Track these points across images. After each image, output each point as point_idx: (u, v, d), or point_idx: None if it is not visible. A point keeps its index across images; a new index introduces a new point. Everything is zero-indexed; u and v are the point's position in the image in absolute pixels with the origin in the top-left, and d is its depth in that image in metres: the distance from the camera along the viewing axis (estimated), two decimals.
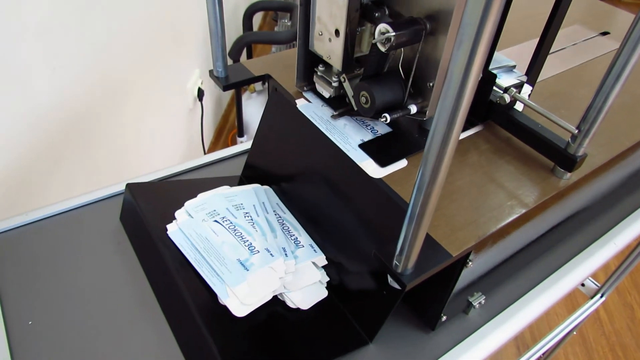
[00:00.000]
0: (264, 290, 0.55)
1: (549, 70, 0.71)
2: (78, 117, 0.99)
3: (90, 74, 1.01)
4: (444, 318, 0.57)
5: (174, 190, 0.68)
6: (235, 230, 0.60)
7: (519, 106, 0.59)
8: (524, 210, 0.50)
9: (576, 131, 0.50)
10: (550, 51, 0.59)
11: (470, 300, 0.59)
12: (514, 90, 0.57)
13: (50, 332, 0.55)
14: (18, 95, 0.81)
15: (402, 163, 0.54)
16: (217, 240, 0.59)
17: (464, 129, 0.59)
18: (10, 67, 0.78)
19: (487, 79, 0.55)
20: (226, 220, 0.61)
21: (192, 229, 0.59)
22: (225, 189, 0.66)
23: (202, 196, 0.64)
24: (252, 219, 0.62)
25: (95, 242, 0.64)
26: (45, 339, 0.54)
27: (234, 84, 0.67)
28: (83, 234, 0.65)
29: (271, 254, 0.58)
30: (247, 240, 0.59)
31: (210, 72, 0.68)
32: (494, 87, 0.57)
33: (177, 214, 0.61)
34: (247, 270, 0.56)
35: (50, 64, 0.87)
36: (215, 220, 0.61)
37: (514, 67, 0.59)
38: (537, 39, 0.57)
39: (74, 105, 0.97)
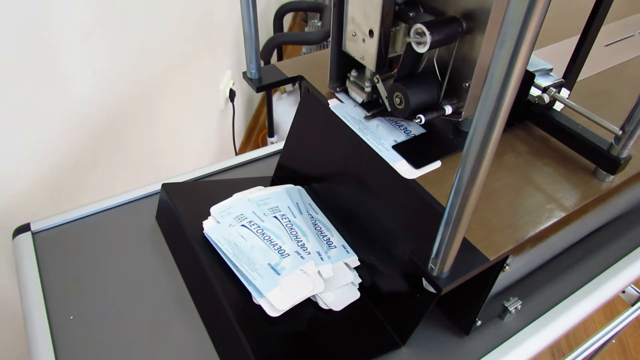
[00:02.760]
0: (297, 294, 0.55)
1: (588, 68, 0.69)
2: (116, 119, 1.02)
3: (127, 77, 1.03)
4: (479, 323, 0.56)
5: (208, 190, 0.68)
6: (263, 234, 0.60)
7: (557, 106, 0.57)
8: (563, 214, 0.49)
9: (620, 132, 0.48)
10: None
11: (506, 305, 0.58)
12: (553, 90, 0.55)
13: (89, 327, 0.56)
14: (61, 98, 0.83)
15: (437, 164, 0.53)
16: (245, 245, 0.59)
17: None
18: (55, 71, 0.80)
19: (525, 78, 0.54)
20: (253, 225, 0.61)
21: (219, 234, 0.60)
22: (259, 190, 0.67)
23: (227, 201, 0.64)
24: (290, 221, 0.62)
25: (132, 241, 0.66)
26: (85, 333, 0.56)
27: (267, 85, 0.67)
28: (120, 233, 0.67)
29: (302, 257, 0.58)
30: (277, 244, 0.59)
31: (244, 74, 0.68)
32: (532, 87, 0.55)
33: (205, 222, 0.62)
34: (279, 274, 0.56)
35: (90, 67, 0.90)
36: (243, 225, 0.61)
37: (551, 70, 0.58)
38: (574, 37, 0.55)
39: (112, 107, 0.99)
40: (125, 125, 1.07)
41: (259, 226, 0.61)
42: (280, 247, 0.59)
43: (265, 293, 0.54)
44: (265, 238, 0.60)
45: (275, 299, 0.54)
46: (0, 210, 0.74)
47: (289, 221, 0.62)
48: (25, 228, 0.67)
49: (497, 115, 0.31)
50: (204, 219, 0.62)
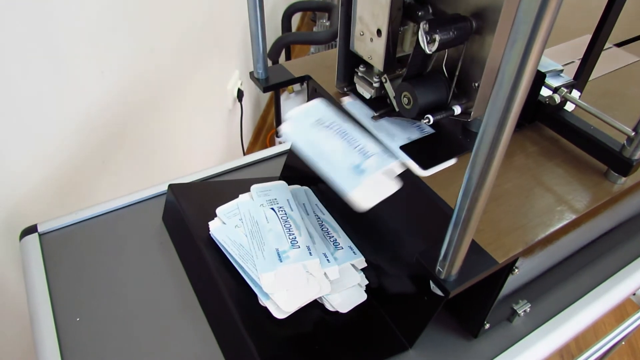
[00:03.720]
0: (290, 284, 0.54)
1: (600, 67, 0.68)
2: (124, 119, 1.02)
3: (136, 78, 1.03)
4: (487, 326, 0.55)
5: (215, 191, 0.68)
6: (286, 221, 0.60)
7: (569, 107, 0.56)
8: (574, 216, 0.48)
9: (633, 133, 0.47)
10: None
11: (515, 308, 0.57)
12: (565, 90, 0.54)
13: (96, 329, 0.56)
14: (70, 98, 0.84)
15: (445, 165, 0.52)
16: (266, 226, 0.59)
17: None
18: (63, 71, 0.80)
19: (536, 78, 0.53)
20: (282, 210, 0.61)
21: (225, 235, 0.59)
22: (261, 186, 0.66)
23: (233, 202, 0.64)
24: (285, 214, 0.62)
25: (138, 242, 0.66)
26: (92, 335, 0.56)
27: (274, 85, 0.67)
28: (127, 234, 0.67)
29: (310, 253, 0.57)
30: (293, 234, 0.59)
31: (251, 73, 0.68)
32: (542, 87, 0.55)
33: (211, 223, 0.62)
34: (281, 261, 0.55)
35: (99, 68, 0.90)
36: (272, 208, 0.61)
37: (561, 71, 0.57)
38: (584, 37, 0.54)
39: (121, 107, 1.00)
40: (134, 125, 1.07)
41: (285, 213, 0.61)
42: (295, 238, 0.59)
43: (260, 273, 0.54)
44: (286, 225, 0.60)
45: (266, 282, 0.53)
46: (7, 211, 0.74)
47: (285, 214, 0.62)
48: (32, 229, 0.67)
49: (508, 115, 0.30)
50: (211, 220, 0.62)
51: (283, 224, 0.59)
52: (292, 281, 0.55)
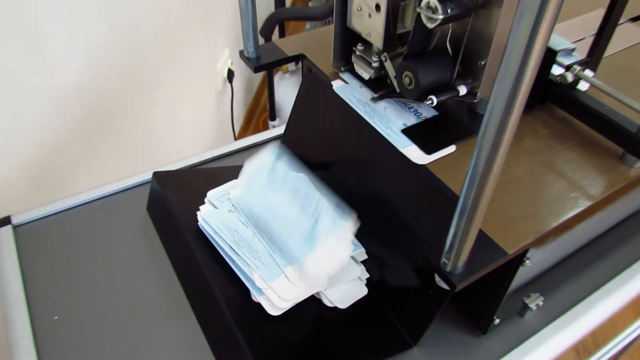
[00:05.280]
0: (339, 256, 0.55)
1: (615, 44, 0.68)
2: (105, 101, 1.02)
3: (118, 56, 1.03)
4: (497, 321, 0.56)
5: (204, 179, 0.68)
6: (305, 193, 0.59)
7: (582, 86, 0.56)
8: (589, 203, 0.48)
9: None
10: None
11: (526, 301, 0.58)
12: (577, 68, 0.54)
13: (75, 328, 0.56)
14: (46, 78, 0.83)
15: (450, 149, 0.53)
16: (247, 232, 0.59)
17: None
18: (39, 51, 0.80)
19: (546, 55, 0.53)
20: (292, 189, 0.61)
21: (218, 220, 0.60)
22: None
23: (227, 185, 0.64)
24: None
25: (121, 234, 0.66)
26: (71, 335, 0.56)
27: (265, 64, 0.66)
28: (109, 226, 0.67)
29: (340, 213, 0.57)
30: (313, 205, 0.58)
31: (241, 52, 0.68)
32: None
33: (201, 208, 0.62)
34: (315, 240, 0.55)
35: (78, 47, 0.89)
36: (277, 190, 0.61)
37: (573, 50, 0.56)
38: (597, 11, 0.54)
39: (101, 88, 0.99)
40: (115, 108, 1.07)
41: (299, 189, 0.61)
42: (316, 209, 0.58)
43: (270, 282, 0.53)
44: (306, 197, 0.59)
45: (281, 288, 0.53)
46: None
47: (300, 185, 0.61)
48: (5, 221, 0.67)
49: (516, 95, 0.30)
50: (199, 210, 0.62)
51: (302, 199, 0.59)
52: (337, 254, 0.55)
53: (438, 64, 0.51)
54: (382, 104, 0.58)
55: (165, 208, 0.63)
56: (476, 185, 0.36)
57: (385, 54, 0.55)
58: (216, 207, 0.61)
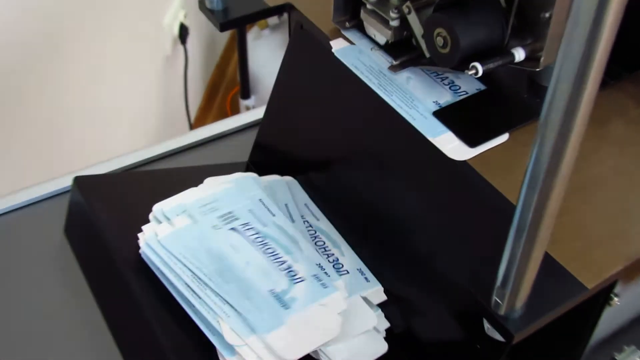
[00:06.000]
0: (312, 339, 0.55)
1: None
2: (7, 76, 1.02)
3: (22, 14, 1.03)
4: None
5: (147, 187, 0.69)
6: (266, 245, 0.60)
7: None
8: None
9: None
10: None
11: (617, 358, 0.58)
12: None
13: None
14: None
15: (502, 139, 0.53)
16: (236, 260, 0.59)
17: (602, 85, 0.57)
18: None
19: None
20: (252, 229, 0.62)
21: (191, 240, 0.60)
22: (211, 183, 0.67)
23: (210, 189, 0.65)
24: (259, 234, 0.62)
25: (27, 264, 0.66)
26: None
27: (236, 19, 0.67)
28: (10, 253, 0.67)
29: (323, 284, 0.58)
30: (285, 262, 0.59)
31: (201, 2, 0.68)
32: None
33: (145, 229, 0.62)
34: (288, 308, 0.56)
35: None
36: (233, 228, 0.61)
37: None
38: None
39: (3, 57, 0.99)
40: (19, 90, 1.07)
41: (259, 232, 0.61)
42: (291, 268, 0.59)
43: (266, 334, 0.54)
44: (268, 251, 0.60)
45: (280, 345, 0.54)
46: None
47: (258, 234, 0.62)
48: None
49: (591, 60, 0.30)
50: (139, 230, 0.62)
51: (263, 249, 0.60)
52: (316, 332, 0.55)
53: (483, 16, 0.51)
54: (405, 74, 0.59)
55: (91, 228, 0.64)
56: (538, 191, 0.36)
57: (408, 3, 0.55)
58: (169, 220, 0.61)
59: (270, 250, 0.60)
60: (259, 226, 0.62)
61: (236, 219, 0.62)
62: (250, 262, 0.59)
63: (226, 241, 0.60)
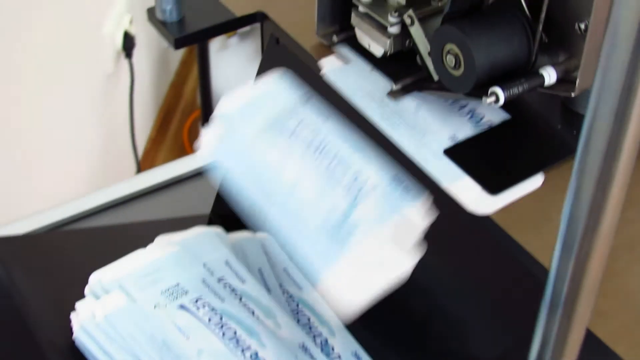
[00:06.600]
0: None
1: None
2: None
3: None
4: None
5: (81, 250, 0.69)
6: (224, 326, 0.61)
7: None
8: None
9: None
10: None
11: None
12: None
13: None
14: None
15: (533, 184, 0.54)
16: (185, 349, 0.59)
17: None
18: None
19: None
20: (206, 306, 0.62)
21: (128, 325, 0.60)
22: (162, 243, 0.67)
23: (154, 252, 0.65)
24: (215, 311, 0.62)
25: None
26: None
27: (195, 34, 0.69)
28: None
29: None
30: (249, 347, 0.60)
31: (150, 11, 0.70)
32: None
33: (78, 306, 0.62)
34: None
35: None
36: (182, 306, 0.62)
37: None
38: None
39: None
40: None
41: (215, 310, 0.61)
42: (257, 355, 0.59)
43: None
44: (228, 336, 0.60)
45: None
46: None
47: (213, 311, 0.63)
48: None
49: (635, 80, 0.30)
50: (72, 309, 0.62)
51: (221, 335, 0.60)
52: None
53: (505, 28, 0.53)
54: (412, 101, 0.59)
55: (9, 309, 0.64)
56: (575, 254, 0.37)
57: (411, 12, 0.56)
58: (134, 300, 0.62)
59: (230, 334, 0.60)
60: (216, 301, 0.62)
61: (185, 292, 0.62)
62: (204, 350, 0.59)
63: (171, 324, 0.60)
